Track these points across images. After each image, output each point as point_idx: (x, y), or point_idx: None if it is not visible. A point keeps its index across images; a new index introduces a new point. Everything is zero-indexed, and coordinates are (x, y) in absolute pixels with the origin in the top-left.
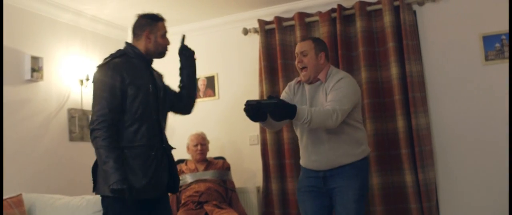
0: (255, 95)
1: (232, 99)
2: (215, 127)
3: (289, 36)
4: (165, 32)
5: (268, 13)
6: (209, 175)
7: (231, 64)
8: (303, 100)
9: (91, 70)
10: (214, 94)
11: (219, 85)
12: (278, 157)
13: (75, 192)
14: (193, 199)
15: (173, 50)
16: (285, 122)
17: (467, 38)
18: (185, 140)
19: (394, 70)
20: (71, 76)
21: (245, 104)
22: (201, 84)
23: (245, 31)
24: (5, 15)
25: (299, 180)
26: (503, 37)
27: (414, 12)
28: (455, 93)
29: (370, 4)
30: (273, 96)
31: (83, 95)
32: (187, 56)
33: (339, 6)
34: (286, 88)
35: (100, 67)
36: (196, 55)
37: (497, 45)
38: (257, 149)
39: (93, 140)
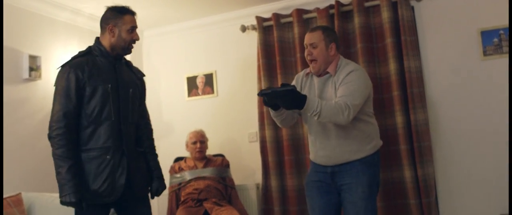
0: (253, 92)
1: (230, 96)
2: (214, 124)
3: (287, 33)
4: (133, 26)
5: (266, 10)
6: (208, 172)
7: (230, 62)
8: (311, 93)
9: None
10: (212, 92)
11: (217, 82)
12: (277, 154)
13: None
14: (192, 196)
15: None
16: (296, 115)
17: (465, 33)
18: (184, 137)
19: (392, 66)
20: None
21: (258, 94)
22: (199, 81)
23: (243, 28)
24: (3, 14)
25: (308, 175)
26: (501, 32)
27: (412, 7)
28: (454, 89)
29: (368, 0)
30: (287, 84)
31: None
32: None
33: (337, 2)
34: (294, 81)
35: (60, 68)
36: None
37: (495, 40)
38: (256, 146)
39: (51, 145)
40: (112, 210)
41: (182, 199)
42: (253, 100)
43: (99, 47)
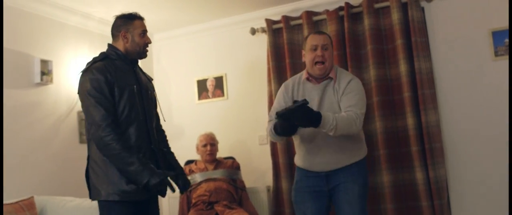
0: (264, 95)
1: (241, 99)
2: (224, 127)
3: (296, 35)
4: (144, 30)
5: (276, 13)
6: (219, 173)
7: (240, 64)
8: (310, 100)
9: None
10: (222, 95)
11: (227, 85)
12: (287, 156)
13: (86, 194)
14: (203, 199)
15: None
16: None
17: (476, 33)
18: (194, 140)
19: (403, 67)
20: None
21: (275, 117)
22: (209, 84)
23: (253, 31)
24: (14, 19)
25: (297, 181)
26: None
27: (422, 8)
28: (465, 90)
29: (377, 1)
30: (297, 101)
31: None
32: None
33: (347, 4)
34: (282, 88)
35: (83, 72)
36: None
37: (507, 40)
38: (267, 148)
39: (104, 147)
40: None
41: (193, 201)
42: (263, 102)
43: (116, 52)
